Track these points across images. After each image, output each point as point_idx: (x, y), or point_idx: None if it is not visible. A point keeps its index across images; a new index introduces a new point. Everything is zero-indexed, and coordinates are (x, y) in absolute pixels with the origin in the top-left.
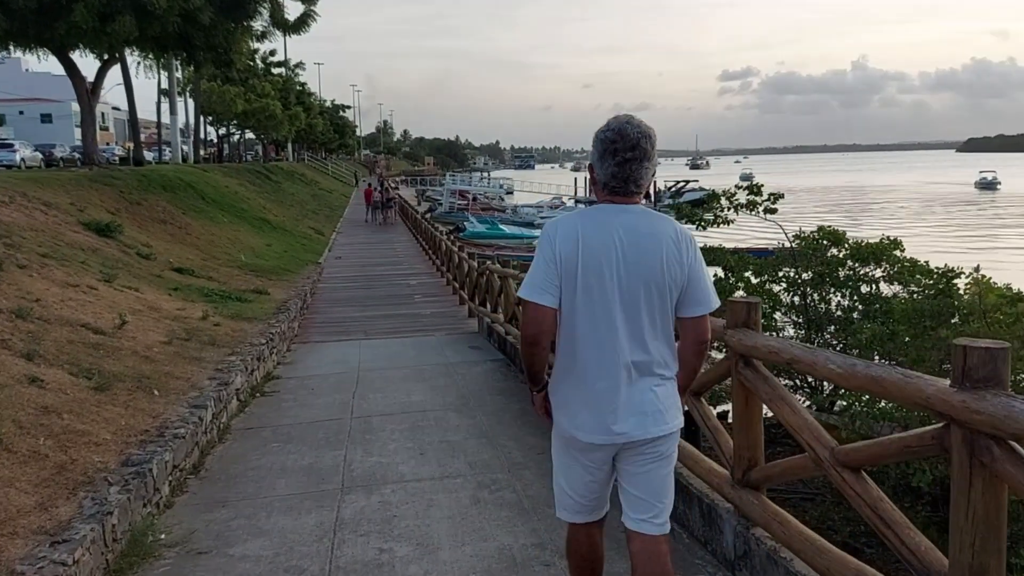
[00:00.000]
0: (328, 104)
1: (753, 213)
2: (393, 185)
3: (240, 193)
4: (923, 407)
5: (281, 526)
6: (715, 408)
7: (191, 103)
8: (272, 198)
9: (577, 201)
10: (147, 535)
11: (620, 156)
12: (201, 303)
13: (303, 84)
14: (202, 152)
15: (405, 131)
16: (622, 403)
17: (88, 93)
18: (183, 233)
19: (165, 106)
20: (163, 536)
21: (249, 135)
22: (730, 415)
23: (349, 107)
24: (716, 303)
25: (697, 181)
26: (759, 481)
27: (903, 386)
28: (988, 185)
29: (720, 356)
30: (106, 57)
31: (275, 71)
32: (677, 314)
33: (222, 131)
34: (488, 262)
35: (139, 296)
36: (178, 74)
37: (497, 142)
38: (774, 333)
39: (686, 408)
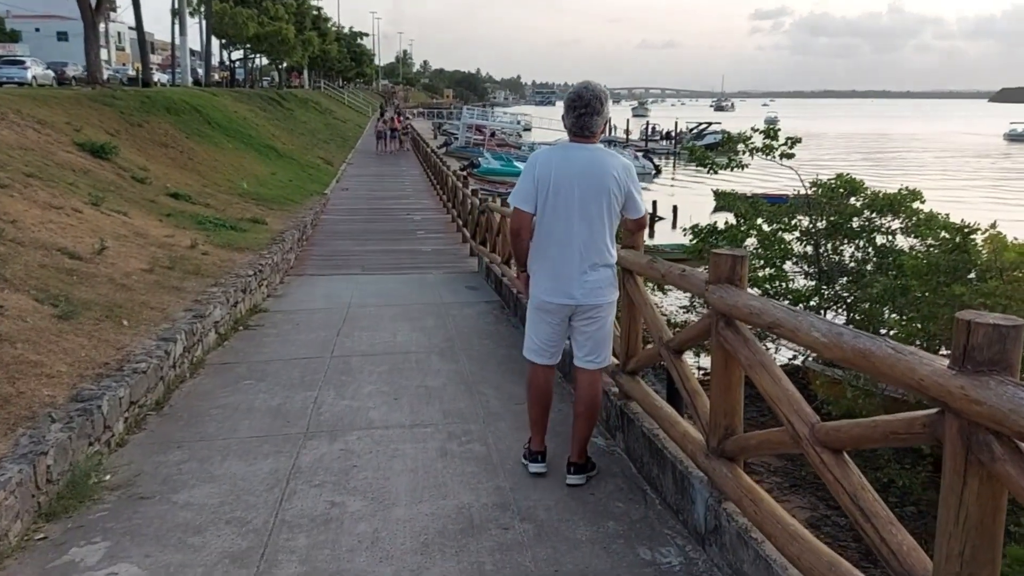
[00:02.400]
0: (346, 31)
1: (768, 158)
2: (397, 115)
3: (249, 119)
4: (915, 389)
5: (233, 472)
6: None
7: (204, 25)
8: (283, 126)
9: None
10: (90, 476)
11: (577, 111)
12: (192, 230)
13: (319, 8)
14: (216, 76)
15: (425, 62)
16: (575, 278)
17: (92, 9)
18: (185, 158)
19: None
20: (108, 478)
21: (265, 61)
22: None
23: (367, 35)
24: (643, 211)
25: (720, 123)
26: (735, 452)
27: (893, 363)
28: (1018, 137)
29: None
30: None
31: None
32: (624, 216)
33: (235, 55)
34: (490, 199)
35: (126, 221)
36: None
37: (519, 76)
38: (784, 284)
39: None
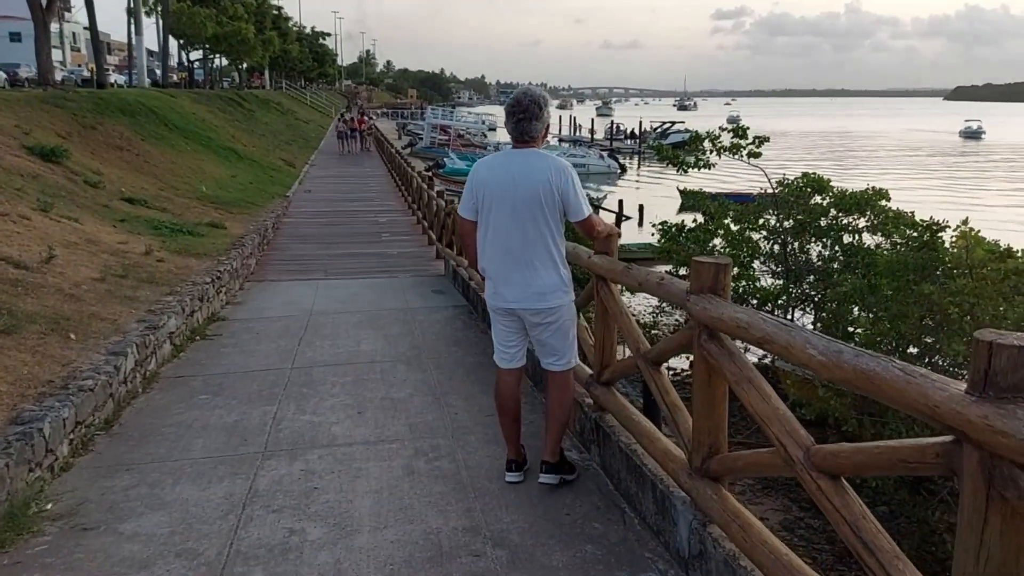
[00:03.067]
0: (307, 31)
1: (736, 157)
2: (358, 116)
3: (208, 120)
4: (928, 416)
5: (185, 497)
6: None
7: (161, 24)
8: (243, 127)
9: (560, 139)
10: (30, 506)
11: (516, 117)
12: (148, 236)
13: (280, 8)
14: (174, 77)
15: (388, 62)
16: (513, 283)
17: (42, 8)
18: (140, 161)
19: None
20: (49, 507)
21: (225, 61)
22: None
23: (329, 35)
24: (585, 212)
25: (683, 123)
26: (719, 472)
27: (902, 387)
28: (973, 134)
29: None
30: None
31: None
32: (568, 219)
33: (194, 55)
34: (456, 200)
35: (77, 227)
36: None
37: (483, 76)
38: (752, 284)
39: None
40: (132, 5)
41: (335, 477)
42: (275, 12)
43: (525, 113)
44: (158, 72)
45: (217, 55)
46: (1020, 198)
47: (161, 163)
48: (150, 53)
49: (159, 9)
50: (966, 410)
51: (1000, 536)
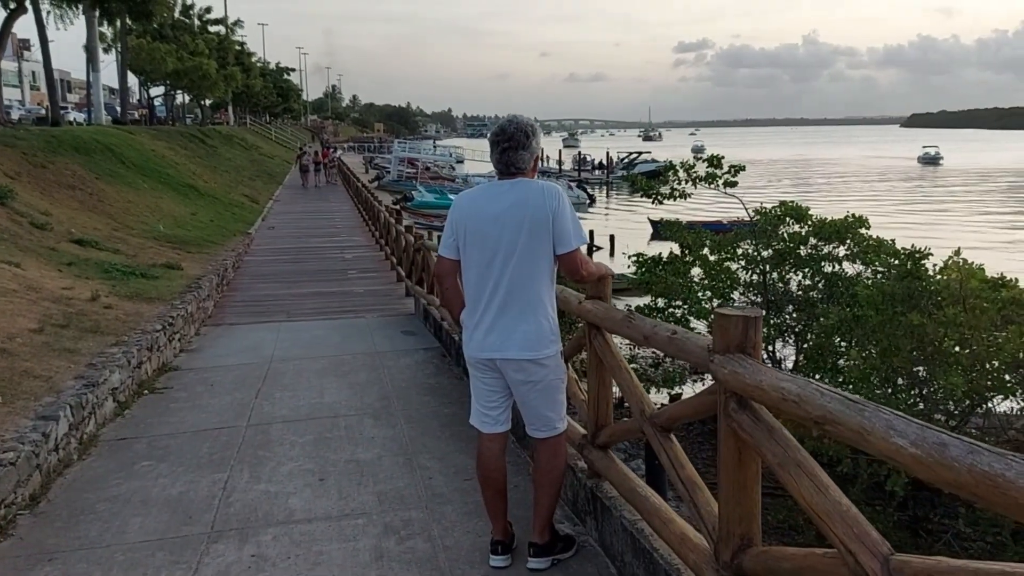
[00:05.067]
0: (272, 66)
1: (712, 187)
2: (321, 149)
3: (168, 157)
4: None
5: None
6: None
7: (120, 60)
8: (205, 163)
9: None
10: None
11: (501, 146)
12: (96, 280)
13: (242, 43)
14: (135, 114)
15: (354, 96)
16: (492, 329)
17: None
18: (94, 200)
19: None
20: None
21: (188, 97)
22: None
23: (294, 70)
24: (574, 244)
25: (650, 152)
26: (756, 571)
27: None
28: (931, 160)
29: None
30: (12, 6)
31: (212, 29)
32: (555, 254)
33: (154, 91)
34: (426, 236)
35: (17, 273)
36: (106, 29)
37: (449, 110)
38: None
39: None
40: (88, 42)
41: (291, 564)
42: (238, 47)
43: (511, 142)
44: (119, 109)
45: (178, 91)
46: (984, 221)
47: (116, 202)
48: (111, 91)
49: (118, 46)
50: None
51: None
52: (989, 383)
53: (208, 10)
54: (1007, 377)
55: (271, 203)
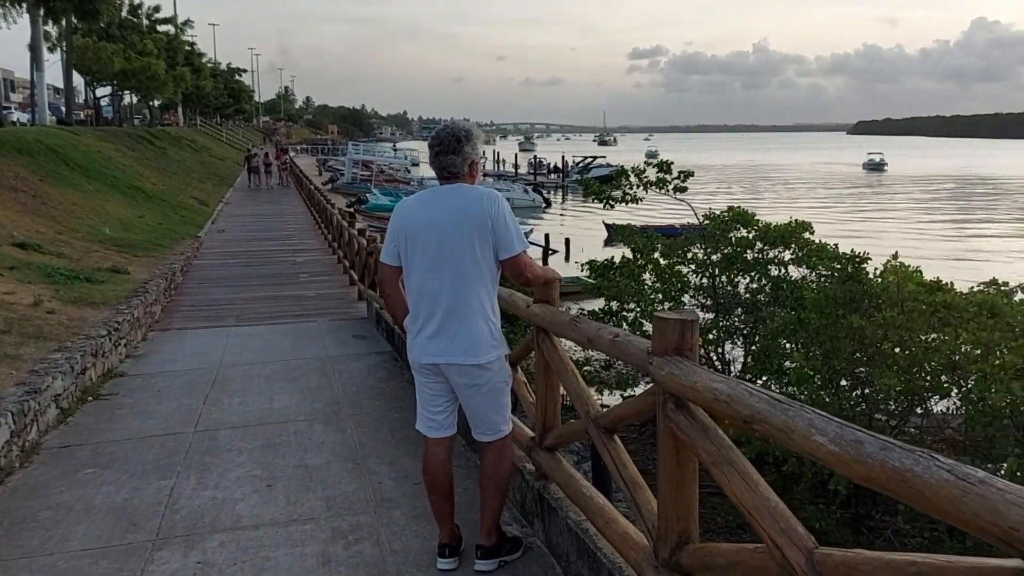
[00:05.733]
0: (223, 67)
1: (663, 192)
2: (278, 151)
3: (114, 159)
4: (1002, 542)
5: None
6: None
7: (65, 59)
8: (153, 165)
9: (485, 175)
10: None
11: (433, 151)
12: (39, 285)
13: (192, 44)
14: (80, 115)
15: (308, 98)
16: (434, 334)
17: None
18: (37, 202)
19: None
20: None
21: (136, 98)
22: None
23: (246, 71)
24: (517, 249)
25: (605, 157)
26: (693, 568)
27: (955, 497)
28: (876, 167)
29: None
30: None
31: (160, 28)
32: (498, 259)
33: (100, 91)
34: (379, 239)
35: None
36: (51, 27)
37: (405, 112)
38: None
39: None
40: (33, 40)
41: (237, 571)
42: (188, 48)
43: (442, 146)
44: (64, 109)
45: (126, 91)
46: (925, 225)
47: (60, 204)
48: (56, 90)
49: (63, 45)
50: None
51: None
52: (927, 384)
53: (157, 9)
54: (943, 378)
55: (221, 206)
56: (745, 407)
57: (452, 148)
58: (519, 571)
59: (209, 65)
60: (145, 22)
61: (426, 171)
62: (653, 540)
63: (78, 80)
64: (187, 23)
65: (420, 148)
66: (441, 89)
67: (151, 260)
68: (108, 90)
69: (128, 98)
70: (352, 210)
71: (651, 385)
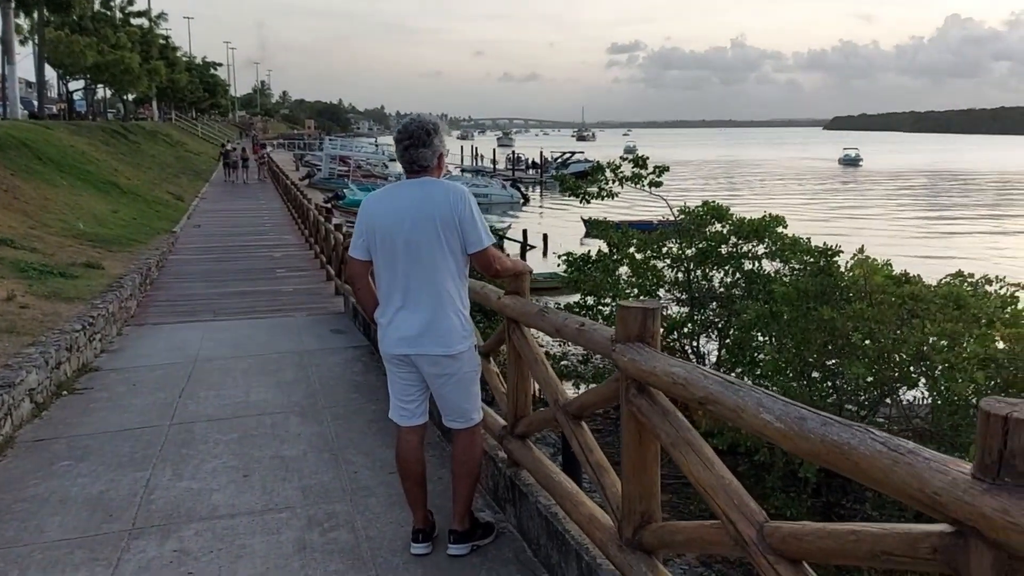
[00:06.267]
0: (198, 61)
1: (638, 187)
2: (255, 146)
3: (88, 153)
4: (923, 504)
5: None
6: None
7: (36, 53)
8: (128, 160)
9: (463, 170)
10: None
11: (402, 145)
12: (12, 280)
13: (167, 37)
14: (53, 108)
15: (284, 92)
16: (405, 325)
17: None
18: (9, 197)
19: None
20: None
21: (110, 92)
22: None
23: (221, 65)
24: (486, 242)
25: (583, 152)
26: (654, 545)
27: (887, 467)
28: (851, 162)
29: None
30: None
31: (134, 22)
32: (466, 252)
33: (73, 85)
34: None
35: None
36: (23, 20)
37: (382, 107)
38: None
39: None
40: (3, 33)
41: (214, 558)
42: (162, 41)
43: (411, 139)
44: (36, 103)
45: (99, 85)
46: (896, 219)
47: (33, 199)
48: (28, 84)
49: (35, 38)
50: (978, 501)
51: None
52: (895, 374)
53: (130, 2)
54: (911, 368)
55: (197, 201)
56: (700, 389)
57: (422, 141)
58: (491, 555)
59: (184, 59)
60: (118, 15)
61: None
62: (618, 520)
63: (50, 74)
64: (161, 16)
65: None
66: (419, 84)
67: (126, 255)
68: (81, 84)
69: (101, 92)
70: (329, 206)
71: (616, 372)
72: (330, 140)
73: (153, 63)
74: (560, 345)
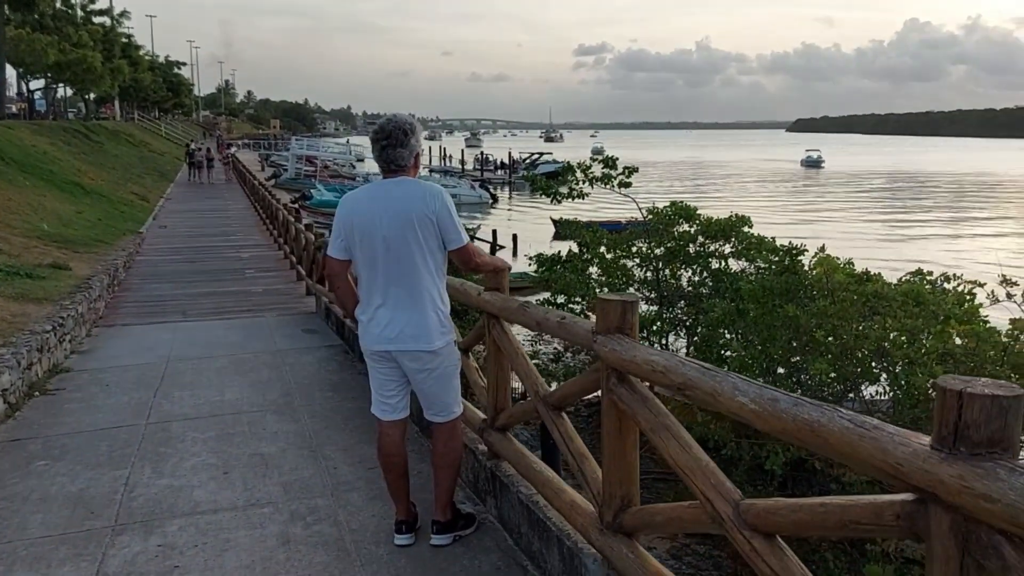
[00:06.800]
0: (161, 60)
1: (608, 187)
2: (220, 146)
3: (50, 153)
4: (887, 474)
5: None
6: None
7: None
8: (91, 160)
9: (432, 170)
10: None
11: (379, 144)
12: None
13: (130, 36)
14: (13, 108)
15: (249, 92)
16: (386, 322)
17: None
18: None
19: None
20: None
21: (71, 91)
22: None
23: (185, 64)
24: (464, 240)
25: (551, 153)
26: (635, 527)
27: (854, 441)
28: (813, 163)
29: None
30: None
31: (96, 20)
32: (443, 250)
33: (34, 84)
34: (327, 234)
35: None
36: None
37: (349, 107)
38: None
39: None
40: None
41: (199, 552)
42: (125, 40)
43: (389, 139)
44: None
45: (61, 84)
46: (857, 219)
47: None
48: None
49: None
50: (936, 469)
51: None
52: (858, 370)
53: (92, 0)
54: (873, 364)
55: (163, 201)
56: (678, 376)
57: (400, 141)
58: (473, 544)
59: (147, 58)
60: (80, 13)
61: (372, 166)
62: (598, 505)
63: (10, 72)
64: (124, 14)
65: (366, 144)
66: (386, 84)
67: (92, 256)
68: (42, 83)
69: (63, 91)
70: (297, 206)
71: (595, 363)
72: (296, 140)
73: (116, 62)
74: (531, 344)
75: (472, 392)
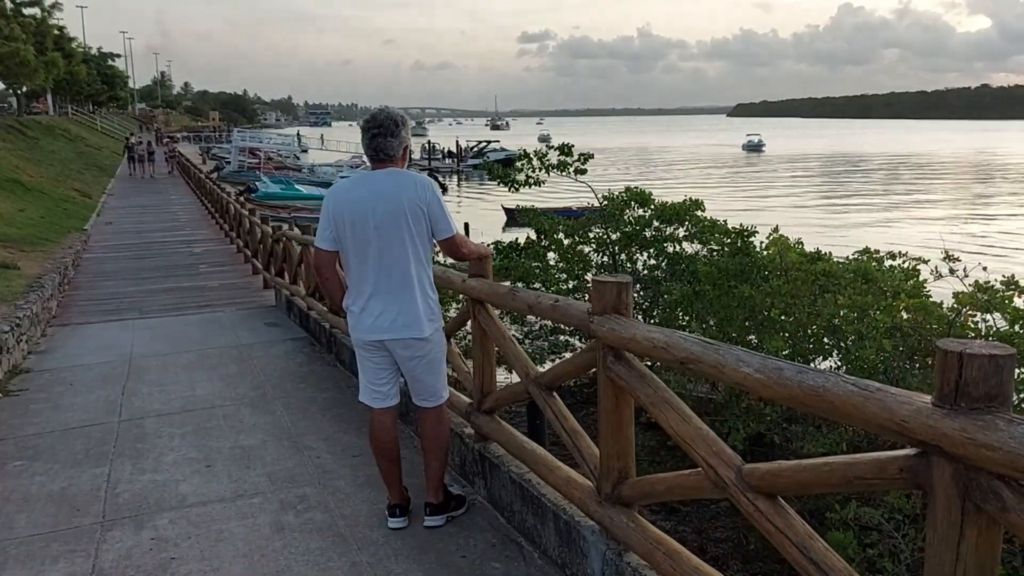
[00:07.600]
0: (94, 52)
1: (564, 173)
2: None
3: None
4: (894, 432)
5: None
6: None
7: None
8: (27, 156)
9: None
10: None
11: (369, 133)
12: None
13: (62, 28)
14: None
15: (187, 83)
16: (378, 312)
17: None
18: None
19: None
20: None
21: (1, 85)
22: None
23: (119, 56)
24: (453, 230)
25: (499, 141)
26: (634, 498)
27: (860, 403)
28: (755, 147)
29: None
30: None
31: (27, 12)
32: (432, 240)
33: None
34: (284, 227)
35: None
36: None
37: (290, 97)
38: (583, 296)
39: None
40: None
41: (193, 543)
42: (57, 32)
43: (380, 128)
44: None
45: None
46: (800, 201)
47: None
48: None
49: None
50: (940, 424)
51: (976, 548)
52: (811, 346)
53: None
54: (825, 340)
55: (105, 197)
56: (681, 350)
57: (390, 131)
58: (465, 524)
59: (80, 50)
60: (9, 4)
61: (316, 157)
62: (596, 479)
63: None
64: (55, 6)
65: (309, 134)
66: (328, 73)
67: (39, 254)
68: None
69: None
70: (242, 199)
71: (590, 342)
72: (239, 132)
73: (50, 55)
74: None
75: (457, 378)
